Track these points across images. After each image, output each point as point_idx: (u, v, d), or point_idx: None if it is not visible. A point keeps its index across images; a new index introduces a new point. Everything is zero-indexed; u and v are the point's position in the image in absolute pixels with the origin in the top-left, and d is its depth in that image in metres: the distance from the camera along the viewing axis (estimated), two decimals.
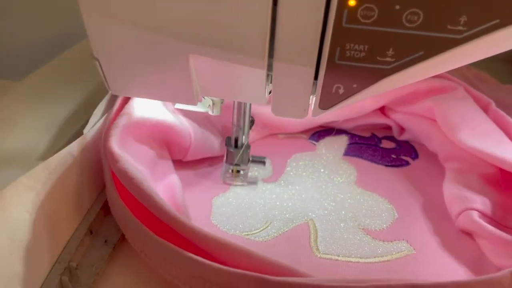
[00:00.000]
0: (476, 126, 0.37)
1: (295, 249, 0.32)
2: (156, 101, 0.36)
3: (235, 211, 0.35)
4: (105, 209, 0.33)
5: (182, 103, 0.29)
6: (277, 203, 0.36)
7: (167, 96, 0.28)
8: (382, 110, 0.46)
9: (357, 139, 0.45)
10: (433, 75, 0.24)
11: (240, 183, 0.38)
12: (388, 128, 0.46)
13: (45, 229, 0.28)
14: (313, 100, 0.26)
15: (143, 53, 0.25)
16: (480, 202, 0.32)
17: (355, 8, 0.21)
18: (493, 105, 0.39)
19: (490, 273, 0.27)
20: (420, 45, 0.22)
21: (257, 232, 0.33)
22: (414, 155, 0.43)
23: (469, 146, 0.35)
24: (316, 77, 0.25)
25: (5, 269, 0.25)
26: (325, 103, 0.26)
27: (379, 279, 0.24)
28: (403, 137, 0.44)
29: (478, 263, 0.31)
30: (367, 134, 0.46)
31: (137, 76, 0.27)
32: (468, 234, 0.33)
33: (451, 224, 0.34)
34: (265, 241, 0.33)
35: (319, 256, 0.31)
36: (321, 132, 0.46)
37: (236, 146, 0.37)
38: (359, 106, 0.43)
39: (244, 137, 0.36)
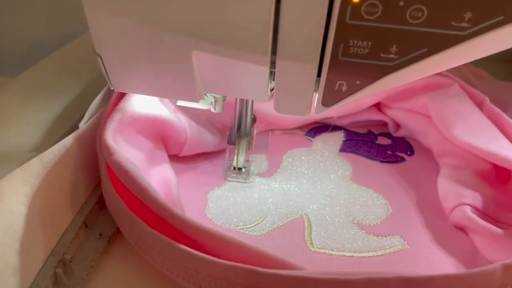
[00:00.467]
0: (471, 122, 0.37)
1: (290, 243, 0.32)
2: (154, 96, 0.36)
3: (230, 205, 0.35)
4: (100, 203, 0.33)
5: (184, 100, 0.29)
6: (272, 197, 0.36)
7: (169, 93, 0.28)
8: (378, 106, 0.46)
9: (353, 135, 0.45)
10: (436, 72, 0.24)
11: (242, 181, 0.38)
12: (384, 124, 0.46)
13: (39, 222, 0.28)
14: (315, 97, 0.27)
15: (145, 49, 0.26)
16: (473, 197, 0.32)
17: (359, 4, 0.21)
18: (487, 101, 0.39)
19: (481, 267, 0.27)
20: (423, 41, 0.22)
21: (251, 226, 0.33)
22: (410, 151, 0.43)
23: (463, 142, 0.36)
24: (319, 74, 0.25)
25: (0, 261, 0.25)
26: (328, 100, 0.26)
27: (373, 272, 0.24)
28: (399, 134, 0.45)
29: (471, 257, 0.31)
30: (363, 131, 0.46)
31: (140, 72, 0.27)
32: (462, 229, 0.33)
33: (445, 220, 0.34)
34: (260, 235, 0.33)
35: (313, 250, 0.32)
36: (318, 128, 0.46)
37: (239, 141, 0.37)
38: (355, 102, 0.43)
39: (246, 134, 0.36)
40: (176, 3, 0.23)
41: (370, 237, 0.33)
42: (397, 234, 0.33)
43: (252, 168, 0.39)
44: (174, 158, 0.38)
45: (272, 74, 0.26)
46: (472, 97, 0.40)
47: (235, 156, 0.37)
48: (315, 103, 0.27)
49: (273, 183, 0.38)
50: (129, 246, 0.29)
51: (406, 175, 0.39)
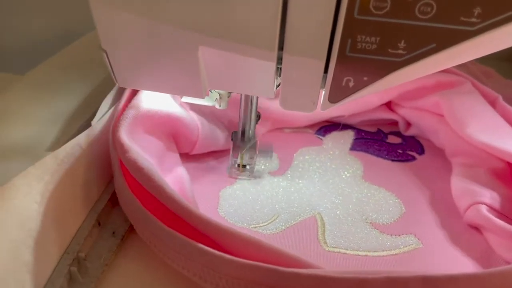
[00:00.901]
0: (484, 120, 0.37)
1: (303, 242, 0.32)
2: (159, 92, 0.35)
3: (242, 204, 0.35)
4: (113, 201, 0.33)
5: (189, 96, 0.29)
6: (284, 196, 0.36)
7: (174, 88, 0.28)
8: (389, 105, 0.45)
9: (363, 134, 0.45)
10: (444, 68, 0.24)
11: (247, 178, 0.38)
12: (395, 123, 0.46)
13: (53, 220, 0.28)
14: (322, 93, 0.26)
15: (151, 44, 0.25)
16: (488, 196, 0.32)
17: None
18: (500, 99, 0.39)
19: (498, 266, 0.27)
20: (432, 37, 0.22)
21: (264, 225, 0.33)
22: (421, 150, 0.43)
23: (478, 140, 0.35)
24: (326, 70, 0.25)
25: (15, 258, 0.25)
26: (335, 97, 0.26)
27: (391, 271, 0.23)
28: (409, 133, 0.44)
29: (486, 256, 0.31)
30: (373, 130, 0.46)
31: (145, 68, 0.27)
32: (476, 228, 0.33)
33: (459, 218, 0.34)
34: (273, 234, 0.33)
35: (327, 249, 0.31)
36: (328, 127, 0.46)
37: (243, 138, 0.36)
38: (365, 101, 0.43)
39: (250, 131, 0.36)
40: None
41: (384, 236, 0.33)
42: (411, 233, 0.33)
43: (262, 166, 0.39)
44: (185, 156, 0.38)
45: (278, 70, 0.26)
46: (484, 95, 0.39)
47: (239, 153, 0.37)
48: (321, 99, 0.27)
49: (285, 181, 0.38)
50: (143, 244, 0.29)
51: (418, 173, 0.39)
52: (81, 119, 0.36)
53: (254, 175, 0.38)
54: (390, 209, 0.35)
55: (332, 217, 0.34)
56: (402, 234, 0.33)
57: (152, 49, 0.26)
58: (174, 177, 0.33)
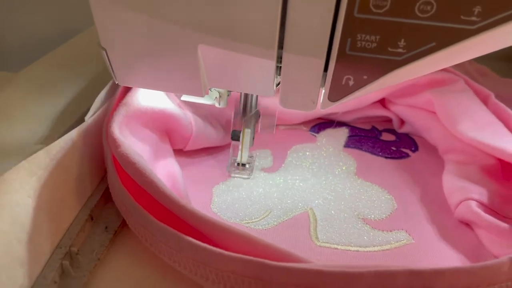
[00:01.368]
0: (476, 118, 0.37)
1: (295, 238, 0.32)
2: (158, 91, 0.36)
3: (235, 200, 0.35)
4: (106, 196, 0.33)
5: (189, 95, 0.29)
6: (277, 192, 0.36)
7: (174, 87, 0.28)
8: (382, 102, 0.46)
9: (357, 131, 0.45)
10: (444, 67, 0.24)
11: (246, 177, 0.38)
12: (389, 120, 0.46)
13: (46, 214, 0.28)
14: (321, 92, 0.26)
15: (151, 42, 0.25)
16: (478, 192, 0.32)
17: None
18: (493, 97, 0.39)
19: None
20: (432, 36, 0.22)
21: (257, 221, 0.33)
22: (414, 147, 0.43)
23: (469, 137, 0.36)
24: (325, 69, 0.25)
25: (7, 252, 0.25)
26: (335, 95, 0.26)
27: (379, 265, 0.24)
28: (403, 130, 0.45)
29: (476, 252, 0.31)
30: (367, 127, 0.46)
31: (145, 66, 0.27)
32: (467, 224, 0.33)
33: (450, 215, 0.34)
34: (265, 229, 0.33)
35: (318, 244, 0.32)
36: (322, 124, 0.46)
37: (245, 112, 0.36)
38: (359, 98, 0.43)
39: (252, 105, 0.36)
40: None
41: (375, 232, 0.33)
42: (402, 229, 0.33)
43: (256, 163, 0.40)
44: (178, 152, 0.38)
45: (278, 68, 0.26)
46: (477, 93, 0.40)
47: (239, 152, 0.37)
48: (321, 98, 0.27)
49: (278, 178, 0.38)
50: (135, 239, 0.29)
51: (411, 170, 0.39)
52: (75, 116, 0.37)
53: (253, 174, 0.38)
54: (382, 205, 0.35)
55: (324, 213, 0.34)
56: (394, 230, 0.33)
57: (152, 47, 0.26)
58: (167, 173, 0.33)
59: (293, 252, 0.25)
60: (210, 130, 0.40)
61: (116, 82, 0.28)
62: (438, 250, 0.31)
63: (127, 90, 0.35)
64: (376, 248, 0.31)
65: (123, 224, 0.31)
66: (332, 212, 0.34)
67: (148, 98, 0.34)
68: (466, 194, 0.33)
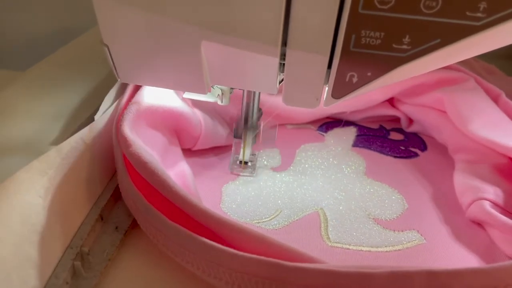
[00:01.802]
0: (487, 116, 0.37)
1: (306, 238, 0.32)
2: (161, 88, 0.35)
3: (245, 200, 0.35)
4: (116, 196, 0.33)
5: (192, 92, 0.28)
6: (287, 192, 0.36)
7: (176, 84, 0.28)
8: (391, 101, 0.45)
9: (365, 130, 0.45)
10: (449, 63, 0.24)
11: (248, 175, 0.38)
12: (397, 120, 0.46)
13: (57, 214, 0.28)
14: (325, 89, 0.26)
15: (153, 39, 0.25)
16: (492, 192, 0.32)
17: None
18: (503, 96, 0.39)
19: (501, 262, 0.27)
20: (437, 32, 0.22)
21: (267, 220, 0.33)
22: (423, 147, 0.43)
23: (481, 136, 0.35)
24: (329, 66, 0.25)
25: (18, 253, 0.25)
26: (338, 92, 0.26)
27: (394, 266, 0.23)
28: (411, 129, 0.44)
29: (489, 252, 0.31)
30: (375, 126, 0.46)
31: (147, 63, 0.27)
32: (478, 224, 0.33)
33: (461, 214, 0.34)
34: (276, 229, 0.33)
35: (330, 244, 0.31)
36: (330, 124, 0.46)
37: (246, 126, 0.36)
38: (367, 97, 0.43)
39: (253, 118, 0.36)
40: None
41: (386, 232, 0.33)
42: (413, 229, 0.33)
43: (265, 162, 0.39)
44: (186, 152, 0.38)
45: (281, 66, 0.26)
46: (487, 92, 0.39)
47: (241, 150, 0.37)
48: (324, 95, 0.26)
49: (287, 177, 0.38)
50: (146, 239, 0.29)
51: (420, 170, 0.39)
52: (83, 116, 0.37)
53: (256, 172, 0.38)
54: (393, 205, 0.35)
55: (334, 213, 0.34)
56: (405, 230, 0.33)
57: (154, 44, 0.25)
58: (177, 172, 0.33)
59: (306, 252, 0.25)
60: (218, 130, 0.39)
61: (118, 79, 0.28)
62: (450, 250, 0.31)
63: (137, 88, 0.35)
64: (388, 248, 0.31)
65: (134, 224, 0.31)
66: (343, 212, 0.34)
67: (158, 96, 0.34)
68: (478, 193, 0.32)
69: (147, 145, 0.31)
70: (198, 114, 0.37)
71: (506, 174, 0.34)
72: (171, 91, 0.36)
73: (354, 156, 0.41)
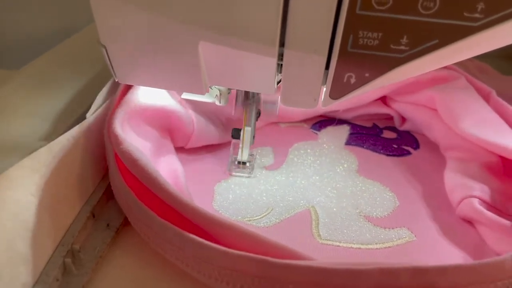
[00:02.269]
0: (478, 115, 0.37)
1: (297, 235, 0.32)
2: (159, 88, 0.35)
3: (237, 198, 0.35)
4: (107, 194, 0.33)
5: (190, 92, 0.29)
6: (279, 190, 0.36)
7: (175, 85, 0.28)
8: (384, 100, 0.46)
9: (358, 129, 0.45)
10: (447, 64, 0.24)
11: (247, 175, 0.38)
12: (390, 118, 0.46)
13: (48, 212, 0.28)
14: (323, 90, 0.26)
15: (151, 39, 0.25)
16: (480, 190, 0.32)
17: None
18: (494, 94, 0.39)
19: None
20: (435, 33, 0.22)
21: (258, 218, 0.33)
22: (416, 145, 0.43)
23: (471, 134, 0.36)
24: (327, 67, 0.25)
25: (9, 249, 0.25)
26: (336, 93, 0.26)
27: (383, 262, 0.24)
28: (404, 127, 0.45)
29: (478, 249, 0.31)
30: (368, 124, 0.46)
31: (145, 63, 0.27)
32: (469, 221, 0.33)
33: (452, 212, 0.34)
34: (267, 227, 0.33)
35: (320, 242, 0.32)
36: (323, 122, 0.46)
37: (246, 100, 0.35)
38: (360, 95, 0.43)
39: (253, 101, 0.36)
40: None
41: (377, 229, 0.33)
42: (404, 226, 0.33)
43: (257, 161, 0.39)
44: (179, 150, 0.38)
45: (279, 66, 0.26)
46: (478, 90, 0.40)
47: (240, 150, 0.37)
48: (322, 96, 0.27)
49: (280, 175, 0.38)
50: (137, 236, 0.29)
51: (412, 168, 0.39)
52: (75, 114, 0.36)
53: (254, 172, 0.38)
54: (384, 202, 0.35)
55: (326, 210, 0.34)
56: (396, 227, 0.33)
57: (152, 44, 0.25)
58: (169, 170, 0.33)
59: (296, 249, 0.25)
60: (211, 128, 0.39)
61: (116, 80, 0.28)
62: (440, 247, 0.31)
63: (129, 87, 0.35)
64: (378, 246, 0.31)
65: (125, 221, 0.31)
66: (334, 209, 0.34)
67: (149, 95, 0.34)
68: (468, 191, 0.33)
69: (139, 143, 0.31)
70: (190, 112, 0.37)
71: (496, 172, 0.35)
72: (163, 90, 0.36)
73: (347, 154, 0.41)
